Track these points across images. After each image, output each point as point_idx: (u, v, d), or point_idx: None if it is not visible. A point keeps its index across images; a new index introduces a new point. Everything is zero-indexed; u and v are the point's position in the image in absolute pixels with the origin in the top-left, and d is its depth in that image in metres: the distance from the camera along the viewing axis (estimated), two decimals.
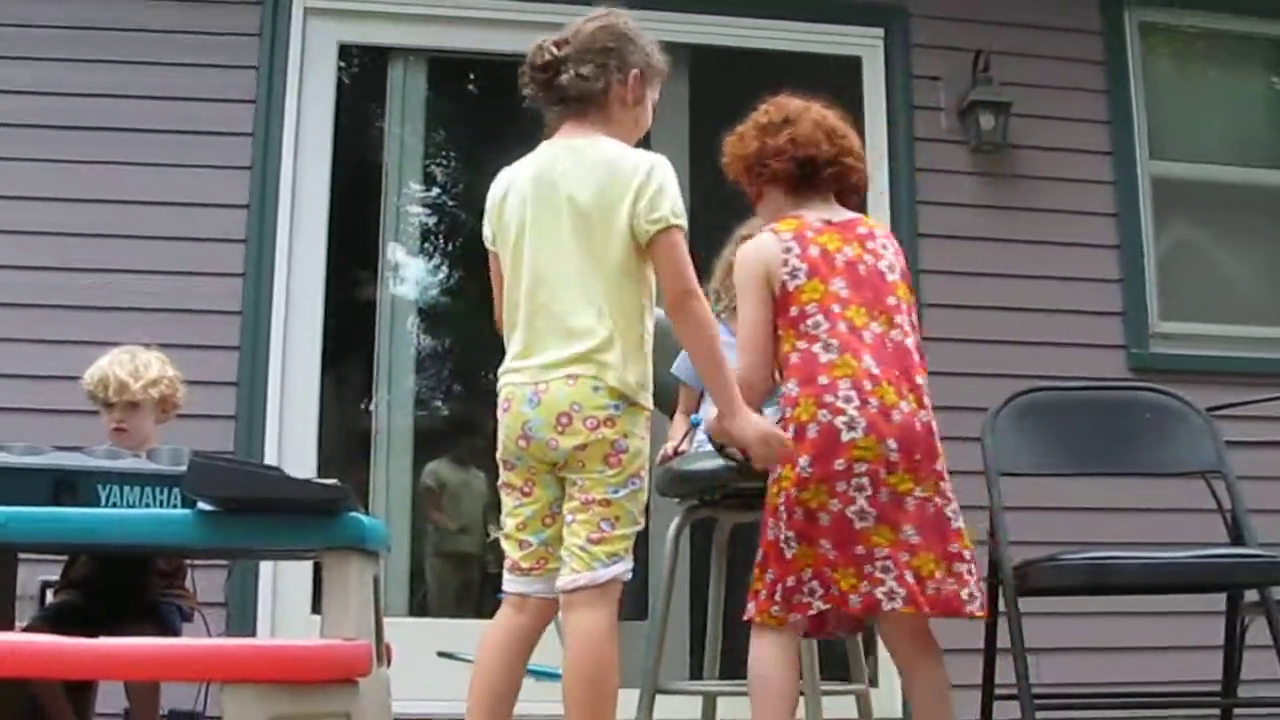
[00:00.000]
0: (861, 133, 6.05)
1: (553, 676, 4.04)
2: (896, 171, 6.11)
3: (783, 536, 3.15)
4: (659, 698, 3.93)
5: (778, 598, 3.16)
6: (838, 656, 4.21)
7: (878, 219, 5.82)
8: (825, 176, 3.44)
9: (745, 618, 3.26)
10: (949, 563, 3.13)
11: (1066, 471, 4.20)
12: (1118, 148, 6.39)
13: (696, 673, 4.89)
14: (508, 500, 3.35)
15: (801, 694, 3.82)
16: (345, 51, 6.22)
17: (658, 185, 3.23)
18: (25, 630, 3.91)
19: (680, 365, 4.05)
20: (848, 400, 3.11)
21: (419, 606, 6.25)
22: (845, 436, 3.08)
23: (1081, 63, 6.47)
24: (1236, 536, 3.86)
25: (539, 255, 3.26)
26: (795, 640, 3.29)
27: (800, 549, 3.12)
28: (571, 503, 3.21)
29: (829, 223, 3.38)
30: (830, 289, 3.24)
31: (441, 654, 4.43)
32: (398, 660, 3.90)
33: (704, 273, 3.87)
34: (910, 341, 3.26)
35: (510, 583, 3.32)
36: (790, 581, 3.14)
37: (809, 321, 3.22)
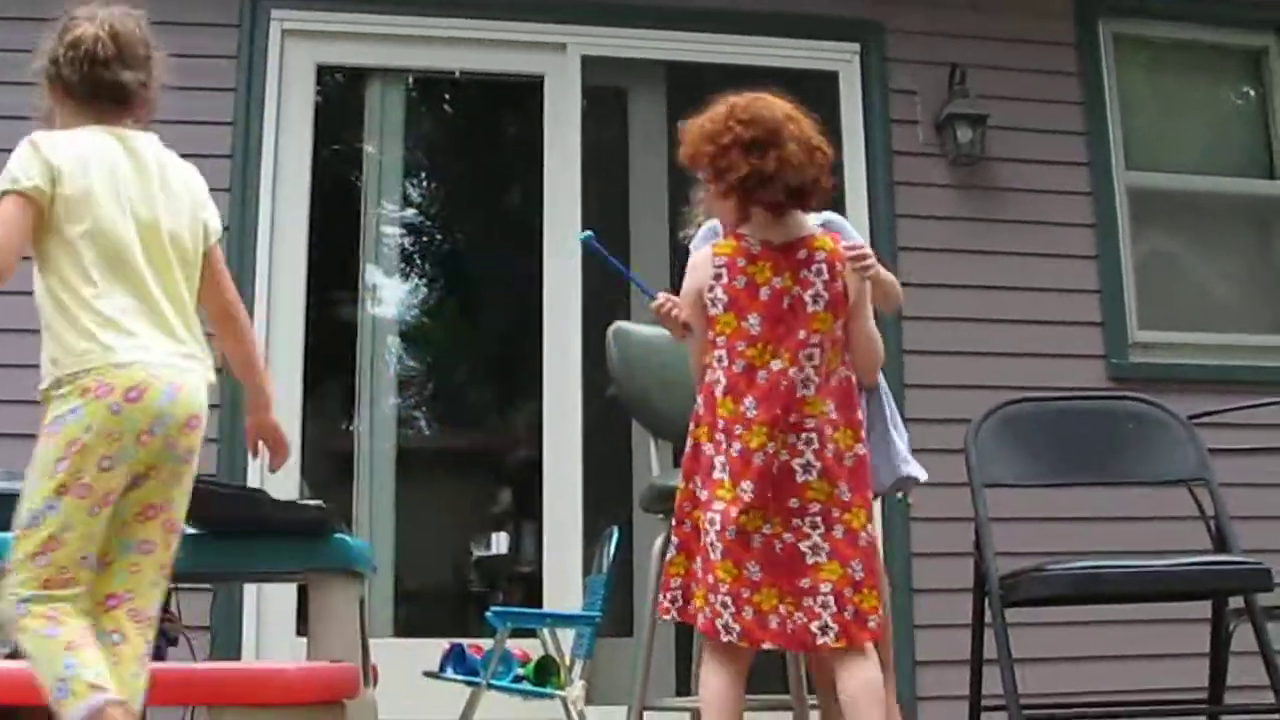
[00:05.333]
0: (839, 148, 6.15)
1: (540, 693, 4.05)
2: (874, 185, 6.13)
3: (671, 539, 3.30)
4: (646, 714, 3.93)
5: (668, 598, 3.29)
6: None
7: (857, 233, 5.84)
8: (797, 198, 3.40)
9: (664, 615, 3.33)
10: (797, 597, 3.18)
11: (1050, 482, 4.21)
12: (1094, 159, 6.41)
13: (684, 688, 4.89)
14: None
15: (790, 708, 3.82)
16: (323, 72, 6.22)
17: None
18: (8, 658, 3.90)
19: None
20: (729, 439, 3.21)
21: (404, 627, 6.23)
22: (716, 474, 3.21)
23: (1057, 75, 6.49)
24: (1220, 544, 3.87)
25: None
26: (737, 660, 3.26)
27: (677, 557, 3.26)
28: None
29: (768, 245, 3.36)
30: (742, 325, 3.29)
31: (427, 674, 4.42)
32: (384, 681, 3.90)
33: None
34: (807, 375, 3.26)
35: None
36: (674, 583, 3.27)
37: (716, 352, 3.30)
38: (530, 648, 4.51)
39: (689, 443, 3.30)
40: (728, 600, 3.13)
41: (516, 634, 4.38)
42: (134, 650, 2.83)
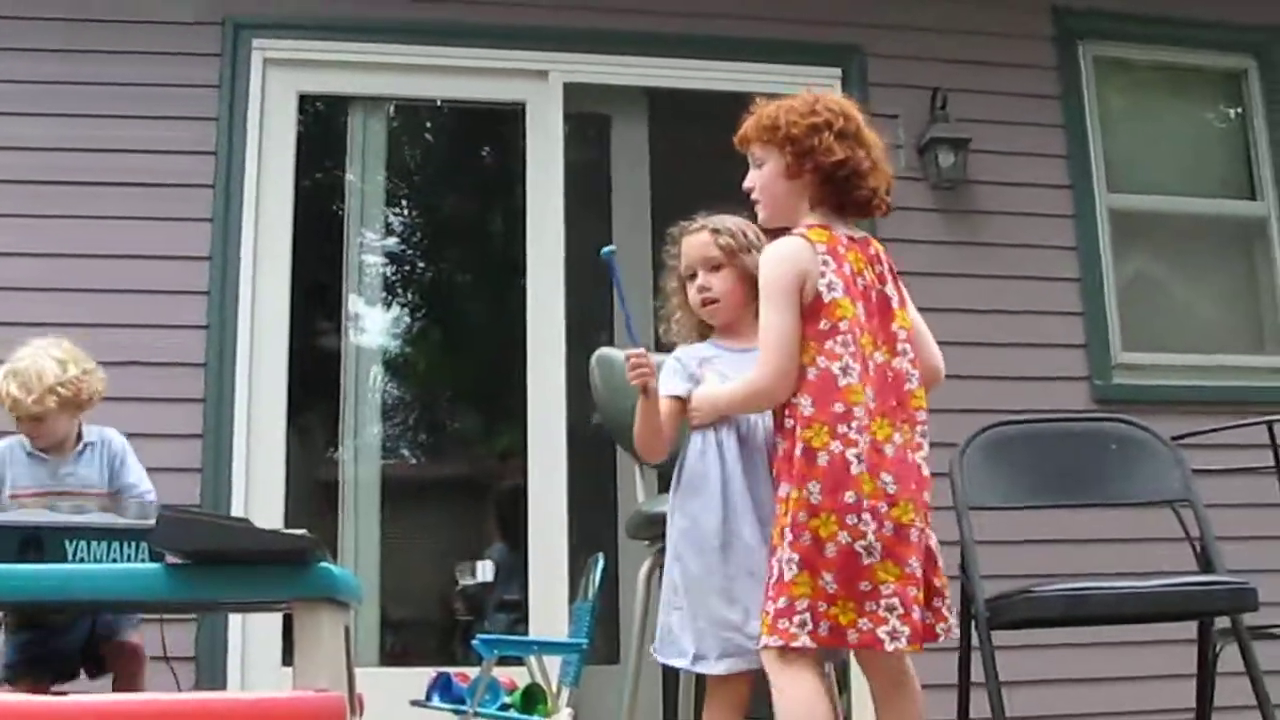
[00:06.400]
0: None
1: None
2: None
3: (785, 558, 3.00)
4: None
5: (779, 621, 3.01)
6: None
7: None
8: (869, 205, 3.27)
9: (763, 645, 3.05)
10: (930, 596, 3.09)
11: (1035, 504, 4.21)
12: (1076, 181, 6.44)
13: (670, 715, 4.88)
14: None
15: None
16: (305, 101, 6.21)
17: None
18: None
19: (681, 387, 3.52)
20: (860, 431, 3.02)
21: (390, 656, 6.21)
22: (855, 470, 2.99)
23: (1038, 98, 6.52)
24: (1206, 564, 3.88)
25: None
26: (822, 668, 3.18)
27: (801, 576, 2.98)
28: None
29: (852, 239, 3.23)
30: (855, 311, 3.12)
31: (414, 703, 4.40)
32: (370, 710, 3.88)
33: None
34: (906, 368, 3.17)
35: None
36: (782, 604, 2.99)
37: (838, 339, 3.08)
38: (517, 676, 4.49)
39: (797, 448, 3.04)
40: (895, 603, 2.96)
41: (503, 662, 4.36)
42: None
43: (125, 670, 4.25)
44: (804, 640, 2.95)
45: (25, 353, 4.31)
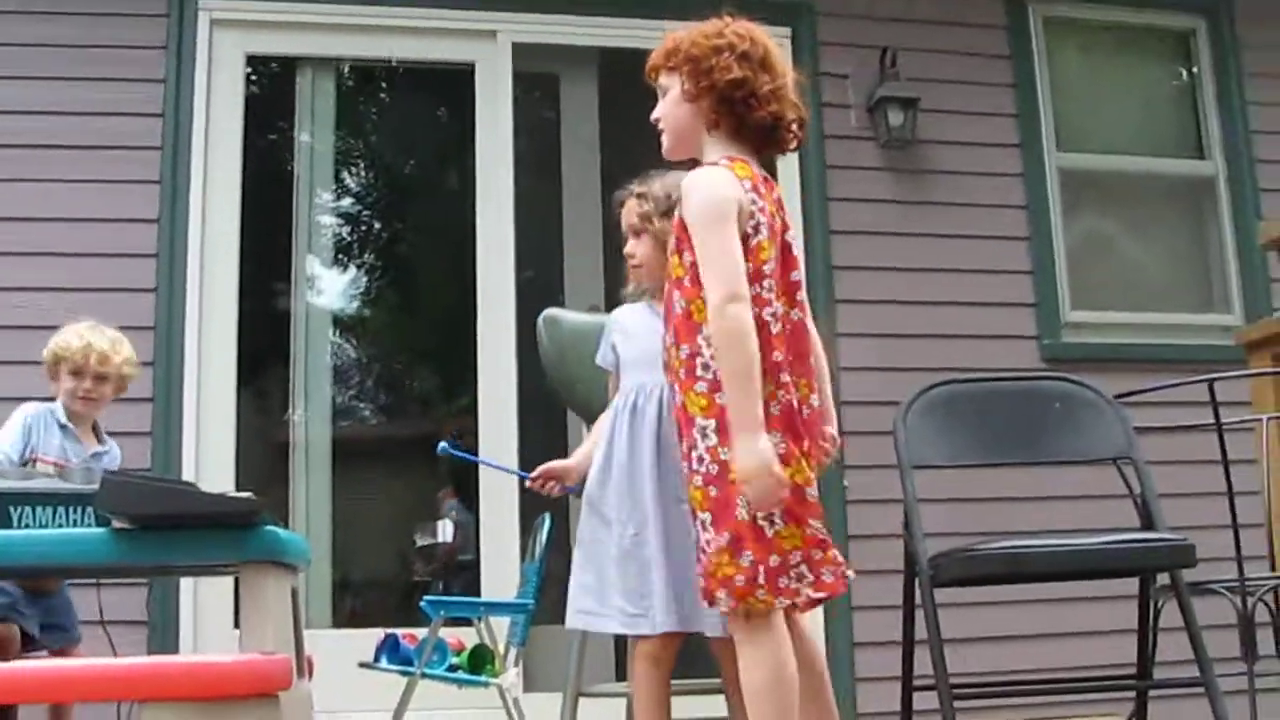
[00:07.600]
0: None
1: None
2: (807, 169, 6.14)
3: (762, 514, 2.79)
4: (582, 701, 3.94)
5: (762, 581, 2.78)
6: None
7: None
8: (775, 138, 3.06)
9: (721, 610, 2.87)
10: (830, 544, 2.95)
11: (979, 462, 4.22)
12: (1025, 140, 6.46)
13: (621, 676, 4.90)
14: None
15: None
16: (253, 62, 6.19)
17: None
18: None
19: (604, 355, 3.71)
20: (771, 390, 2.84)
21: (343, 618, 6.22)
22: (805, 414, 2.89)
23: (988, 57, 6.54)
24: (1147, 521, 3.91)
25: None
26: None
27: (787, 528, 2.81)
28: None
29: (765, 180, 3.02)
30: (773, 255, 2.93)
31: (362, 665, 4.41)
32: (321, 672, 3.89)
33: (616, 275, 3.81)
34: (803, 320, 3.01)
35: None
36: (774, 562, 2.80)
37: (764, 284, 2.87)
38: (466, 636, 4.51)
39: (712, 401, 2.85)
40: (804, 571, 2.84)
41: (453, 623, 4.39)
42: None
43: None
44: (806, 592, 2.84)
45: (86, 324, 4.70)
